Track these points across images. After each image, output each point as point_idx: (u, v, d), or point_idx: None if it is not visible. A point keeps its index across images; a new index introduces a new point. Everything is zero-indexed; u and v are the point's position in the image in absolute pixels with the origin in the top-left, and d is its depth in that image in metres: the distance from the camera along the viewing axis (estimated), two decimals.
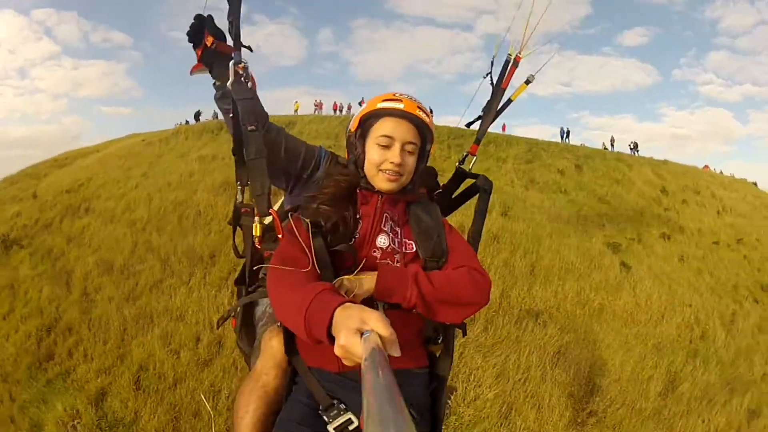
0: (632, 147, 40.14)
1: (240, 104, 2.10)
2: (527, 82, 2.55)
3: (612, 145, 41.83)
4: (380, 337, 1.10)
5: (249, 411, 1.99)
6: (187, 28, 2.13)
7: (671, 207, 22.82)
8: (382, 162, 1.92)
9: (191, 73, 2.32)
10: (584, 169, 25.23)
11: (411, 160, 1.98)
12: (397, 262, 1.89)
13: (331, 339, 1.28)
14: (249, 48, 2.14)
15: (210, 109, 37.44)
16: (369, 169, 1.96)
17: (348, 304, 1.32)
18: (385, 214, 1.97)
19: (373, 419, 0.64)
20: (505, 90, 2.50)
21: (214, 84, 2.26)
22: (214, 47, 2.15)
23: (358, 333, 1.14)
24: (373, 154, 1.94)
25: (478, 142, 2.53)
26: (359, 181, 2.00)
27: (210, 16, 2.20)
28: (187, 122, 39.84)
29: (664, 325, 10.35)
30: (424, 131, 1.99)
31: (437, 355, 2.10)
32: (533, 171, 23.52)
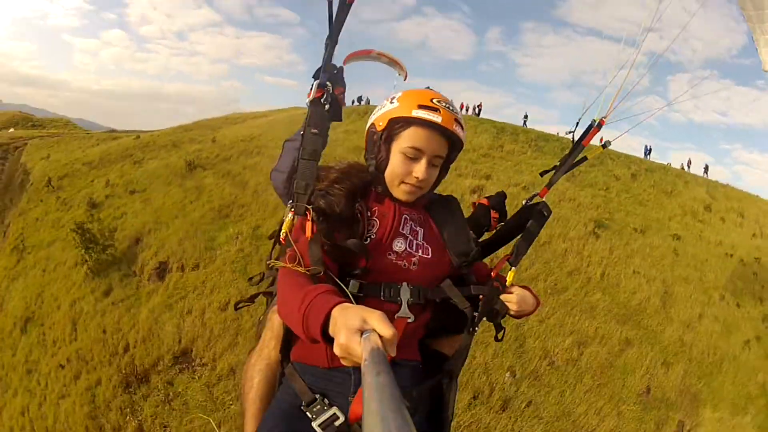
0: (705, 169, 41.18)
1: (311, 110, 2.16)
2: (604, 146, 2.65)
3: (688, 167, 42.01)
4: (380, 336, 1.13)
5: (254, 385, 2.18)
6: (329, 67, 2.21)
7: (705, 220, 24.23)
8: (406, 175, 1.90)
9: (345, 62, 2.43)
10: (639, 178, 27.21)
11: (435, 173, 1.97)
12: (414, 265, 1.90)
13: (328, 339, 1.31)
14: (337, 68, 2.26)
15: (370, 94, 42.97)
16: (390, 177, 1.94)
17: (347, 304, 1.35)
18: (404, 216, 1.96)
19: (373, 419, 0.67)
20: (584, 147, 2.59)
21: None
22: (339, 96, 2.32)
23: (359, 333, 1.16)
24: (397, 163, 1.91)
25: (549, 186, 2.56)
26: (376, 185, 1.99)
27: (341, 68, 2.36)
28: (353, 102, 44.67)
29: None
30: (456, 144, 1.96)
31: (448, 352, 2.13)
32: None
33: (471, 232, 2.14)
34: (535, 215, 2.34)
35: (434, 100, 1.90)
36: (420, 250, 1.93)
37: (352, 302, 1.39)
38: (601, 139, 2.68)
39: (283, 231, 2.01)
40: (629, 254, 17.07)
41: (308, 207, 1.95)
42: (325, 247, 1.79)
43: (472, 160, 24.10)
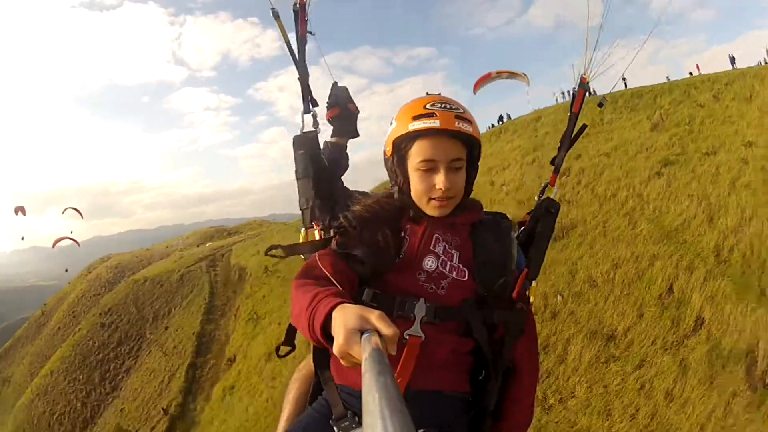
0: None
1: (300, 135, 2.61)
2: (600, 105, 2.72)
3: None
4: (382, 336, 1.16)
5: (293, 388, 2.48)
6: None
7: None
8: (430, 189, 1.89)
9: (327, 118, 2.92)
10: (721, 96, 27.27)
11: (460, 177, 1.94)
12: (443, 288, 1.87)
13: (330, 340, 1.33)
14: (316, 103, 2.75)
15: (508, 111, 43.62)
16: (417, 197, 1.95)
17: (347, 304, 1.38)
18: (436, 235, 1.96)
19: (373, 419, 0.69)
20: (578, 115, 2.51)
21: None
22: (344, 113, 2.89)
23: (359, 333, 1.20)
24: (417, 181, 1.91)
25: (556, 171, 2.53)
26: (408, 210, 2.01)
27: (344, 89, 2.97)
28: (491, 126, 46.51)
29: None
30: (469, 140, 1.92)
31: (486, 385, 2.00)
32: None
33: (511, 261, 2.03)
34: (542, 217, 2.34)
35: (427, 106, 1.88)
36: (455, 272, 1.90)
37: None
38: (598, 99, 2.58)
39: (301, 239, 2.27)
40: (688, 181, 17.89)
41: (313, 222, 2.41)
42: (342, 256, 1.89)
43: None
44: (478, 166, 2.06)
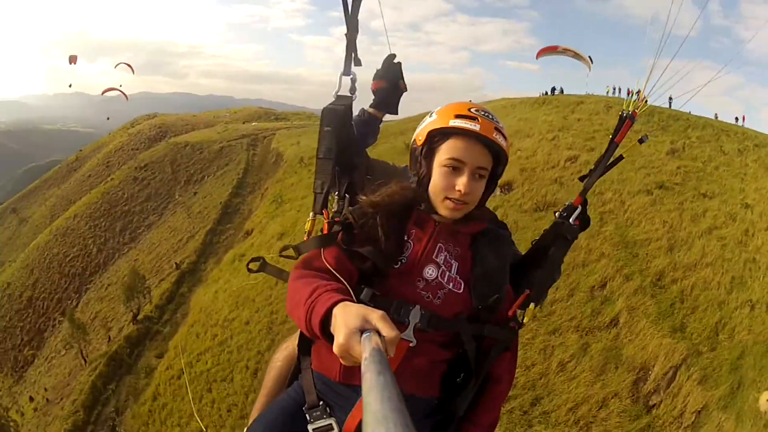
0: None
1: (330, 108, 2.35)
2: (641, 141, 2.55)
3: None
4: (381, 337, 1.17)
5: (274, 368, 2.52)
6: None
7: None
8: (449, 188, 1.90)
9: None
10: (745, 153, 29.08)
11: (480, 186, 1.95)
12: (439, 298, 1.89)
13: (328, 336, 1.36)
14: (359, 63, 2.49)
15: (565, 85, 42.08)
16: (434, 194, 1.95)
17: (348, 302, 1.40)
18: (439, 244, 1.97)
19: (372, 418, 0.70)
20: (618, 145, 2.46)
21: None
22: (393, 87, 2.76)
23: (359, 332, 1.21)
24: (439, 177, 1.92)
25: (583, 194, 2.43)
26: (420, 203, 2.01)
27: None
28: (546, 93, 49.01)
29: None
30: (499, 154, 1.95)
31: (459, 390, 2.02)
32: None
33: (506, 277, 2.08)
34: (558, 240, 2.30)
35: (472, 110, 1.93)
36: (451, 283, 1.93)
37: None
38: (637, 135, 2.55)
39: (306, 229, 2.25)
40: (672, 209, 20.51)
41: (323, 210, 2.26)
42: (346, 251, 1.89)
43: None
44: (498, 183, 2.12)
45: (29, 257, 53.72)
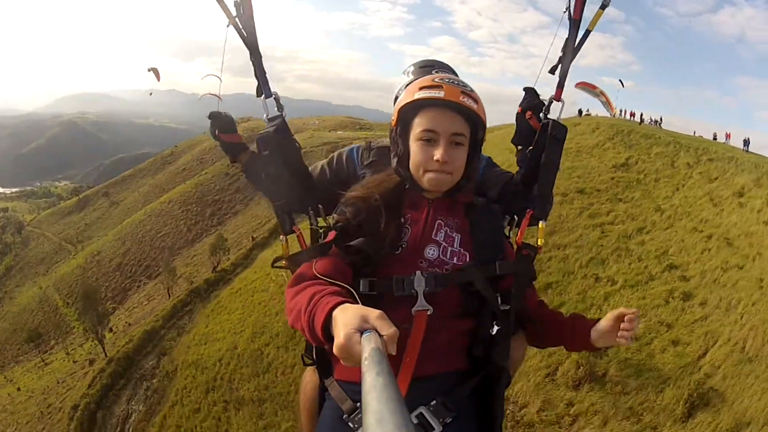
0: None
1: (260, 135, 2.48)
2: (603, 6, 2.51)
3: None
4: (381, 336, 1.24)
5: (307, 391, 2.52)
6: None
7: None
8: (427, 160, 2.02)
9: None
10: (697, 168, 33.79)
11: (460, 154, 2.04)
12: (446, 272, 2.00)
13: (331, 339, 1.41)
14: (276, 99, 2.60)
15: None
16: (414, 169, 2.06)
17: (347, 304, 1.48)
18: (438, 222, 2.09)
19: (372, 419, 0.74)
20: (579, 21, 2.46)
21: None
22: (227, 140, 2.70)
23: (358, 332, 1.28)
24: (416, 151, 2.03)
25: (561, 85, 2.49)
26: (405, 182, 2.13)
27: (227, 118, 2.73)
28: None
29: None
30: (472, 118, 2.04)
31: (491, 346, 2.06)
32: None
33: (504, 241, 2.25)
34: (548, 143, 2.40)
35: (436, 79, 2.04)
36: (455, 257, 2.02)
37: (358, 303, 1.52)
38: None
39: (282, 252, 2.31)
40: (577, 207, 26.90)
41: (293, 227, 2.40)
42: (338, 251, 1.98)
43: None
44: (480, 149, 2.17)
45: (122, 231, 67.66)
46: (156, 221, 66.95)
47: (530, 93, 2.69)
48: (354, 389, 1.93)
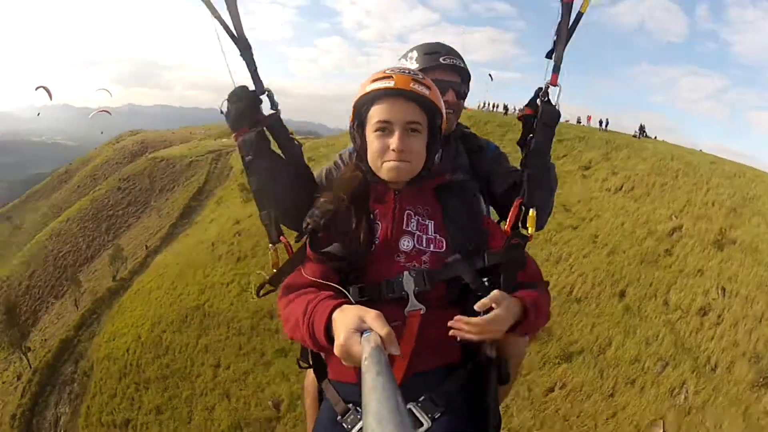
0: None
1: (243, 139, 2.30)
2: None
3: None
4: (380, 336, 1.28)
5: (309, 393, 2.62)
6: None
7: None
8: (384, 150, 2.04)
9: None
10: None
11: (417, 141, 2.05)
12: (425, 263, 2.01)
13: (332, 341, 1.48)
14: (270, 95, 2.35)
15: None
16: (372, 160, 2.10)
17: (346, 305, 1.56)
18: (407, 212, 2.10)
19: (372, 419, 0.76)
20: (571, 4, 2.38)
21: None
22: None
23: (358, 332, 1.34)
24: (372, 142, 2.06)
25: (557, 69, 2.41)
26: (370, 179, 2.15)
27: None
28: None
29: None
30: (428, 106, 2.06)
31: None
32: None
33: (485, 218, 2.31)
34: (539, 127, 2.33)
35: (387, 70, 2.07)
36: (432, 245, 2.04)
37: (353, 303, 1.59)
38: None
39: (271, 262, 2.20)
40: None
41: (281, 237, 2.24)
42: (315, 258, 2.00)
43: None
44: (440, 135, 2.16)
45: (26, 255, 70.47)
46: (57, 241, 69.94)
47: (535, 94, 2.45)
48: (346, 389, 1.94)
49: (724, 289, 20.57)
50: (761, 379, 15.81)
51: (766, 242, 23.08)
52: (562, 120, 2.68)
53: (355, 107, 2.14)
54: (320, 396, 2.27)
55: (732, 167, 34.21)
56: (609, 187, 31.72)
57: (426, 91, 2.05)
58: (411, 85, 2.02)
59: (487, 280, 2.07)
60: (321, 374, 2.16)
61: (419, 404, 1.83)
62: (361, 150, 2.16)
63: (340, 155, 2.87)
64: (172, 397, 25.11)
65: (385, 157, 2.05)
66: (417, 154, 2.07)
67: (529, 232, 2.23)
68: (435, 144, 2.14)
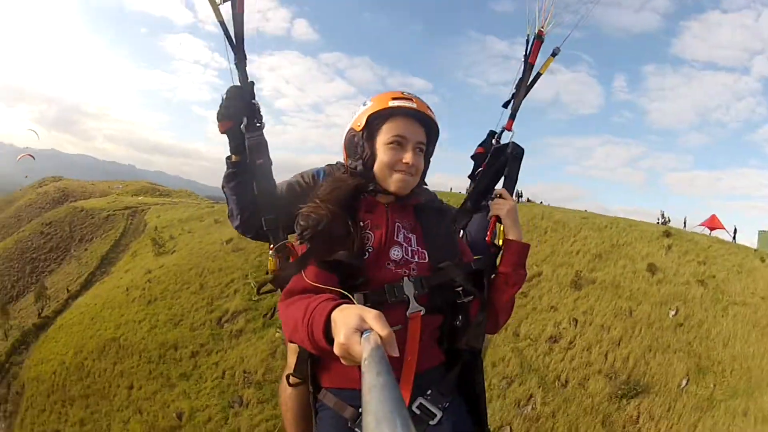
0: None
1: (251, 139, 2.59)
2: (553, 54, 2.89)
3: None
4: (379, 336, 1.29)
5: (289, 408, 2.70)
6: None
7: None
8: (396, 163, 2.27)
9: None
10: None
11: (421, 161, 2.37)
12: (413, 271, 2.24)
13: (332, 343, 1.49)
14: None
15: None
16: (380, 170, 2.30)
17: (345, 305, 1.57)
18: (397, 224, 2.32)
19: (372, 419, 0.76)
20: (533, 65, 2.87)
21: (229, 158, 2.71)
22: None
23: (358, 332, 1.35)
24: (384, 155, 2.28)
25: (513, 117, 2.85)
26: (367, 185, 2.33)
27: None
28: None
29: None
30: (431, 132, 2.39)
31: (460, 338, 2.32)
32: None
33: (458, 238, 2.55)
34: (510, 160, 2.69)
35: (405, 92, 2.31)
36: (416, 256, 2.26)
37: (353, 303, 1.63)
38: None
39: (269, 268, 2.45)
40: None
41: (286, 242, 2.41)
42: (318, 264, 2.11)
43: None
44: (430, 161, 2.50)
45: None
46: None
47: (488, 135, 2.96)
48: (352, 395, 2.07)
49: (576, 320, 22.63)
50: (619, 392, 17.57)
51: (629, 279, 25.62)
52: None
53: (368, 118, 2.31)
54: (310, 410, 2.34)
55: (604, 220, 37.07)
56: None
57: (435, 118, 2.37)
58: (428, 111, 2.35)
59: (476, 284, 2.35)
60: (315, 387, 2.28)
61: (428, 397, 2.08)
62: (368, 160, 2.33)
63: (302, 174, 2.92)
64: (94, 412, 26.69)
65: (398, 168, 2.28)
66: (420, 170, 2.38)
67: (498, 240, 2.58)
68: (426, 166, 2.48)
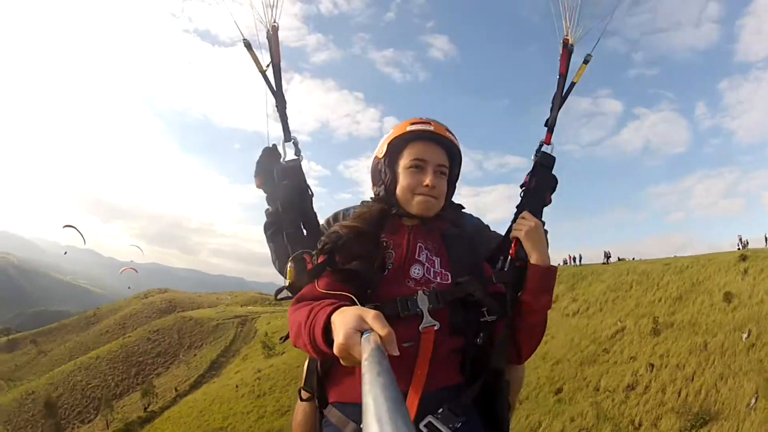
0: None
1: (283, 166, 2.69)
2: (585, 62, 2.79)
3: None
4: (380, 336, 1.27)
5: (300, 424, 2.57)
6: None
7: None
8: (416, 186, 2.25)
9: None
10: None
11: (443, 183, 2.33)
12: (434, 290, 2.12)
13: (332, 345, 1.47)
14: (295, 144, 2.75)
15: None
16: (402, 194, 2.29)
17: (344, 307, 1.56)
18: (419, 244, 2.26)
19: (372, 419, 0.75)
20: (566, 76, 2.76)
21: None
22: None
23: (358, 333, 1.33)
24: (405, 178, 2.27)
25: (550, 130, 2.74)
26: (390, 209, 2.33)
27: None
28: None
29: None
30: (453, 154, 2.37)
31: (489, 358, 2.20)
32: None
33: (482, 266, 2.38)
34: (536, 169, 2.64)
35: (423, 117, 2.33)
36: (439, 277, 2.17)
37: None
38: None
39: (288, 278, 2.41)
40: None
41: (303, 252, 2.41)
42: (334, 274, 2.10)
43: None
44: (456, 183, 2.48)
45: (54, 378, 78.34)
46: (86, 374, 76.80)
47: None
48: (354, 410, 1.98)
49: (652, 365, 23.32)
50: (689, 424, 18.57)
51: (705, 314, 26.25)
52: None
53: (390, 144, 2.31)
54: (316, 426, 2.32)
55: (686, 261, 38.07)
56: (568, 312, 37.54)
57: (456, 142, 2.35)
58: (446, 133, 2.31)
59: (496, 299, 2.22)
60: (322, 403, 2.22)
61: (438, 416, 1.92)
62: (390, 184, 2.33)
63: (338, 212, 2.92)
64: None
65: (418, 191, 2.24)
66: (442, 192, 2.33)
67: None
68: (452, 189, 2.47)
